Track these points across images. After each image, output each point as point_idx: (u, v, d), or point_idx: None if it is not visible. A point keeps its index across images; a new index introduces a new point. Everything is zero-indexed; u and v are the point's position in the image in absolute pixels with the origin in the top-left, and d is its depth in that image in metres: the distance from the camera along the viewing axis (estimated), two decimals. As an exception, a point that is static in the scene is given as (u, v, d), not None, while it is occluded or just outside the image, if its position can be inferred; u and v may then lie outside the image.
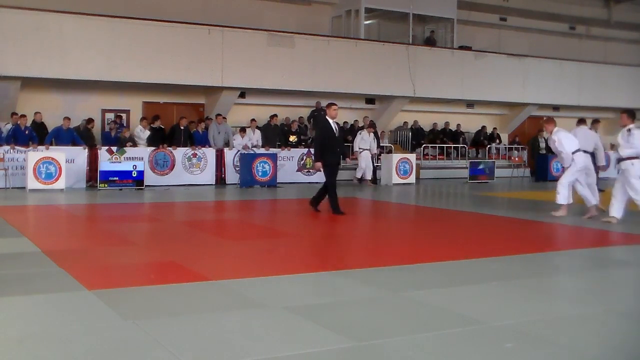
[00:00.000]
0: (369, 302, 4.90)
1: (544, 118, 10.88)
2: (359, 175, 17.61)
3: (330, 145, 10.14)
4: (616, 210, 9.57)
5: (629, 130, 9.52)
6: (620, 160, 9.74)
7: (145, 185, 15.04)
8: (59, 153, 14.11)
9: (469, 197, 13.87)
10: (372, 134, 17.67)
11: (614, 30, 26.86)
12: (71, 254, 6.75)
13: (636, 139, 9.40)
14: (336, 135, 10.28)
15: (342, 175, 18.76)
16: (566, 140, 10.21)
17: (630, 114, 9.82)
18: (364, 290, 5.25)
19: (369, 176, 17.59)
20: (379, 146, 18.33)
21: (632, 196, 9.53)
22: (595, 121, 14.63)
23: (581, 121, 12.21)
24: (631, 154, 9.43)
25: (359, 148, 17.40)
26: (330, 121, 10.23)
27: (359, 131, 17.99)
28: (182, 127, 16.60)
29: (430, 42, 22.35)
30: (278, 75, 18.17)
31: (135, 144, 15.75)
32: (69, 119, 15.33)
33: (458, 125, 22.32)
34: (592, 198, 10.56)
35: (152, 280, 5.62)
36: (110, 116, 17.79)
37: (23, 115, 15.01)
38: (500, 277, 5.86)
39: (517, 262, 6.63)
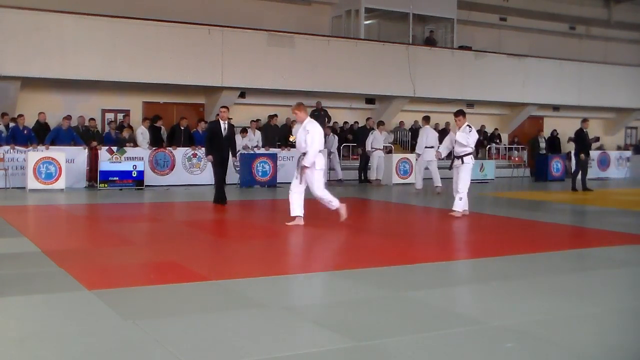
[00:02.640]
0: (369, 302, 4.89)
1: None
2: (372, 177, 17.60)
3: (217, 144, 11.29)
4: (462, 204, 10.28)
5: (470, 126, 10.32)
6: (458, 157, 10.36)
7: (145, 185, 15.05)
8: (59, 153, 14.10)
9: (469, 197, 13.83)
10: (384, 133, 17.65)
11: (614, 30, 26.86)
12: (71, 254, 6.75)
13: (473, 137, 10.27)
14: (224, 135, 11.38)
15: (344, 175, 18.87)
16: (320, 134, 9.02)
17: (463, 113, 10.51)
18: (364, 290, 5.25)
19: (380, 176, 17.57)
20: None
21: (457, 187, 10.29)
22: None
23: (426, 120, 15.08)
24: (467, 151, 10.21)
25: (372, 147, 17.38)
26: (220, 122, 11.39)
27: (371, 131, 17.96)
28: (182, 128, 16.59)
29: (430, 42, 22.34)
30: (278, 75, 18.16)
31: (136, 144, 15.75)
32: (68, 118, 15.33)
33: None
34: (419, 183, 14.65)
35: (152, 280, 5.62)
36: (110, 116, 17.79)
37: (21, 115, 15.00)
38: (500, 277, 5.86)
39: (517, 262, 6.63)
